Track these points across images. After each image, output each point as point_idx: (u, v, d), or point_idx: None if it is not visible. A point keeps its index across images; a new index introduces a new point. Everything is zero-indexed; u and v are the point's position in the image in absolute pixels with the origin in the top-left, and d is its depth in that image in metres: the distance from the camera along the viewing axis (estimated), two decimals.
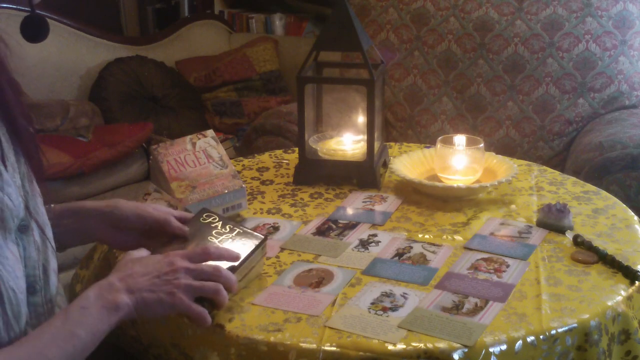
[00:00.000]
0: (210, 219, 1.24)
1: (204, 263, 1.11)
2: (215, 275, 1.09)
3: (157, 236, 1.22)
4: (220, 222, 1.23)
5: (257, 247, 1.20)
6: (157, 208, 1.25)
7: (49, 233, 1.08)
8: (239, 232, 1.22)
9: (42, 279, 1.04)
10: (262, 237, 1.22)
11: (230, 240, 1.20)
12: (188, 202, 1.46)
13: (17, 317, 0.97)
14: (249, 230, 1.22)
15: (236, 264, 1.15)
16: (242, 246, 1.19)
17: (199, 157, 1.53)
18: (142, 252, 1.12)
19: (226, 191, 1.51)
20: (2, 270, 0.94)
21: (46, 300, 1.05)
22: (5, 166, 1.00)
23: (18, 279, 0.98)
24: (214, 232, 1.22)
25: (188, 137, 1.56)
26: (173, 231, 1.21)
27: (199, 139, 1.56)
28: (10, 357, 0.92)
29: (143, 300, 1.04)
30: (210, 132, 1.58)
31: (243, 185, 1.54)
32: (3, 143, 1.01)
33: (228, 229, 1.22)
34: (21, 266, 1.00)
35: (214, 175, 1.52)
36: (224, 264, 1.13)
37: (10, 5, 2.95)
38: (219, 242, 1.20)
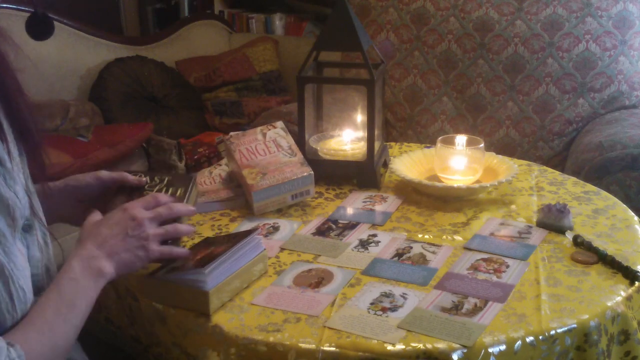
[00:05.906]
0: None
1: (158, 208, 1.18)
2: (172, 214, 1.17)
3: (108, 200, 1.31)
4: (148, 177, 1.34)
5: (190, 187, 1.33)
6: (107, 172, 1.32)
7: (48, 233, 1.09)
8: (168, 179, 1.34)
9: (45, 279, 1.05)
10: (190, 177, 1.34)
11: (164, 189, 1.31)
12: (259, 188, 1.54)
13: (25, 315, 0.97)
14: (177, 175, 1.33)
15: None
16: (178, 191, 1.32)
17: (269, 146, 1.63)
18: (97, 216, 1.17)
19: (295, 177, 1.56)
20: (13, 269, 0.94)
21: None
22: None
23: (27, 278, 0.98)
24: (146, 186, 1.32)
25: (259, 128, 1.67)
26: (131, 183, 1.31)
27: (269, 129, 1.67)
28: (25, 341, 0.94)
29: (122, 262, 1.09)
30: (280, 124, 1.69)
31: (311, 172, 1.57)
32: (9, 142, 1.01)
33: (157, 180, 1.33)
34: (28, 265, 1.00)
35: (283, 163, 1.60)
36: None
37: (12, 6, 2.94)
38: (156, 192, 1.30)
